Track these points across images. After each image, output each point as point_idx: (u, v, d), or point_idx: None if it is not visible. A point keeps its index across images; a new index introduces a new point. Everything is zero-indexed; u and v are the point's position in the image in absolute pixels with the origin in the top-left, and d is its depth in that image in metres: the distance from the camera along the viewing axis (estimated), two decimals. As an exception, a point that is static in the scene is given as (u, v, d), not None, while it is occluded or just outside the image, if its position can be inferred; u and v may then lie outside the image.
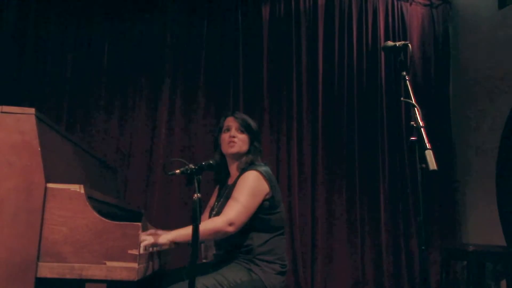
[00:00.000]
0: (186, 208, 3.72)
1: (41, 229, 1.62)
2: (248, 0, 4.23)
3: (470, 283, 3.44)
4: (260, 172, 2.04)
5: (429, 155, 1.43)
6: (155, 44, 4.08)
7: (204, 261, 2.41)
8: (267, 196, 2.04)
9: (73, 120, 3.89)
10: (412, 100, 1.56)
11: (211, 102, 4.07)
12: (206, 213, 2.29)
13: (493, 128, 3.94)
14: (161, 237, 1.79)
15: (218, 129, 2.23)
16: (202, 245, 2.45)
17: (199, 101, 4.04)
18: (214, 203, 2.25)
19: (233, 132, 2.14)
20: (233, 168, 2.20)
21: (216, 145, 2.24)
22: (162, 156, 3.88)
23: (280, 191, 2.16)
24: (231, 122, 2.17)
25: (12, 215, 1.63)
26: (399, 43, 1.69)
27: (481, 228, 4.03)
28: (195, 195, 1.65)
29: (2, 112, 1.72)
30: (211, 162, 1.81)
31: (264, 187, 2.03)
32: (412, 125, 1.52)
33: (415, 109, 1.54)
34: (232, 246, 2.05)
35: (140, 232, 1.67)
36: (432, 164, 1.41)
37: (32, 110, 1.73)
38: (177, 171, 1.75)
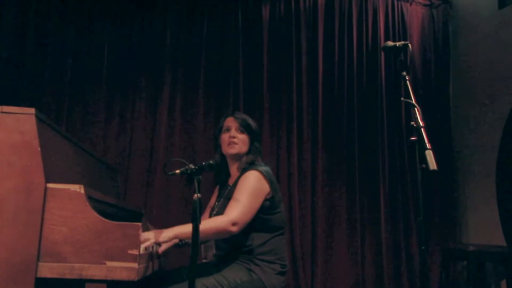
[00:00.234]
0: (186, 208, 3.72)
1: (41, 229, 1.62)
2: (248, 0, 4.24)
3: (470, 283, 3.44)
4: (261, 172, 2.04)
5: (429, 155, 1.43)
6: (155, 44, 4.08)
7: (204, 261, 2.42)
8: (268, 196, 2.04)
9: (73, 120, 3.89)
10: (412, 100, 1.56)
11: (211, 102, 4.07)
12: (206, 213, 2.29)
13: (493, 128, 3.94)
14: (162, 235, 1.80)
15: (218, 129, 2.23)
16: (202, 245, 2.45)
17: (199, 101, 4.04)
18: (215, 203, 2.25)
19: (233, 132, 2.14)
20: (233, 168, 2.20)
21: (216, 145, 2.24)
22: (162, 156, 3.88)
23: (280, 191, 2.16)
24: (231, 122, 2.17)
25: (12, 215, 1.63)
26: (399, 43, 1.69)
27: (481, 228, 4.03)
28: (195, 195, 1.65)
29: (2, 112, 1.72)
30: (211, 162, 1.81)
31: (265, 187, 2.04)
32: (412, 125, 1.52)
33: (415, 109, 1.54)
34: (232, 246, 2.05)
35: (140, 232, 1.67)
36: (432, 164, 1.41)
37: (32, 110, 1.73)
38: (177, 171, 1.75)
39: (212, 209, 2.23)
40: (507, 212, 3.72)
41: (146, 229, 1.86)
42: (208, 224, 1.89)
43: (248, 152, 2.16)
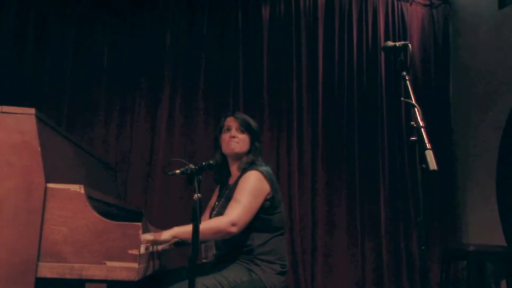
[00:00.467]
0: (186, 208, 3.72)
1: (41, 229, 1.62)
2: (248, 0, 4.24)
3: (470, 283, 3.44)
4: (261, 172, 2.04)
5: (429, 155, 1.43)
6: (155, 44, 4.08)
7: (204, 261, 2.41)
8: (268, 196, 2.04)
9: (73, 120, 3.89)
10: (412, 100, 1.56)
11: (211, 102, 4.07)
12: (206, 214, 2.29)
13: (493, 128, 3.94)
14: (163, 234, 1.80)
15: (219, 129, 2.23)
16: (202, 245, 2.44)
17: (199, 101, 4.04)
18: (215, 203, 2.25)
19: (234, 132, 2.14)
20: (233, 168, 2.20)
21: (217, 145, 2.24)
22: (162, 156, 3.88)
23: (280, 191, 2.16)
24: (231, 122, 2.17)
25: (12, 215, 1.63)
26: (399, 43, 1.69)
27: (481, 228, 4.03)
28: (195, 195, 1.65)
29: (2, 112, 1.72)
30: (211, 162, 1.81)
31: (265, 187, 2.03)
32: (412, 125, 1.52)
33: (415, 109, 1.53)
34: (232, 246, 2.05)
35: (140, 232, 1.67)
36: (432, 164, 1.41)
37: (32, 110, 1.73)
38: (177, 171, 1.75)
39: (213, 209, 2.23)
40: (507, 212, 3.72)
41: (146, 229, 1.86)
42: (208, 224, 1.89)
43: (249, 152, 2.16)
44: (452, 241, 4.09)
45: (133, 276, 1.63)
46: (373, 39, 4.36)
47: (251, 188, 1.99)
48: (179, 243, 2.01)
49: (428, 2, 4.53)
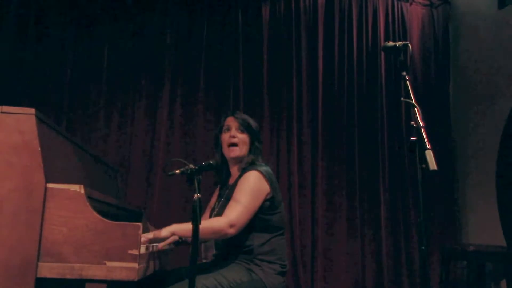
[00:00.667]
0: (186, 208, 3.72)
1: (41, 229, 1.62)
2: (248, 0, 4.23)
3: (470, 283, 3.44)
4: (261, 172, 2.04)
5: (429, 155, 1.43)
6: (155, 44, 4.08)
7: (204, 261, 2.41)
8: (268, 196, 2.04)
9: (73, 120, 3.89)
10: (412, 100, 1.55)
11: (211, 102, 4.07)
12: (206, 214, 2.29)
13: (493, 128, 3.94)
14: (162, 231, 1.80)
15: (219, 129, 2.23)
16: (202, 245, 2.45)
17: (199, 101, 4.04)
18: (215, 203, 2.25)
19: (233, 131, 2.14)
20: (234, 168, 2.20)
21: (217, 144, 2.23)
22: (162, 156, 3.88)
23: (280, 191, 2.16)
24: (231, 121, 2.17)
25: (12, 215, 1.63)
26: (399, 43, 1.69)
27: (481, 228, 4.03)
28: (195, 195, 1.65)
29: (2, 112, 1.71)
30: (211, 162, 1.81)
31: (265, 187, 2.03)
32: (412, 125, 1.52)
33: (415, 109, 1.53)
34: (232, 246, 2.05)
35: (140, 232, 1.67)
36: (432, 164, 1.41)
37: (32, 110, 1.73)
38: (177, 171, 1.75)
39: (213, 209, 2.23)
40: (507, 212, 3.72)
41: (146, 229, 1.86)
42: (206, 224, 1.88)
43: (249, 152, 2.15)
44: (452, 241, 4.09)
45: (133, 276, 1.63)
46: (373, 39, 4.36)
47: (250, 188, 1.99)
48: (179, 242, 2.01)
49: (428, 2, 4.53)
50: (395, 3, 4.45)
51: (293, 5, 4.27)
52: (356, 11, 4.37)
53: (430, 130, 1.52)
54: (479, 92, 4.17)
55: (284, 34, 4.23)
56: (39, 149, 1.68)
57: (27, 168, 1.66)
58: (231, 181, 2.20)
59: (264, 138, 3.88)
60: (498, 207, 3.80)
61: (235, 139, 2.12)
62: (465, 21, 4.44)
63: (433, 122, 4.20)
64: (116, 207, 2.17)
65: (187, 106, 4.04)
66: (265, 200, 2.03)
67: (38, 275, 1.60)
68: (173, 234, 1.83)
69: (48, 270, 1.61)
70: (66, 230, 1.63)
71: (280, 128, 4.09)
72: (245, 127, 2.15)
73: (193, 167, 1.72)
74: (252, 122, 2.19)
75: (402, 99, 1.62)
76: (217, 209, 2.16)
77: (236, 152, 2.12)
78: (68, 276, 1.61)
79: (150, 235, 1.78)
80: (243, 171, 2.09)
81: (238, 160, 2.15)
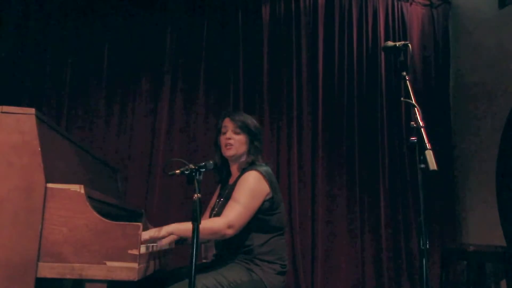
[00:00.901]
0: (186, 208, 3.72)
1: (41, 229, 1.62)
2: (248, 0, 4.23)
3: (470, 283, 3.44)
4: (260, 172, 2.04)
5: (429, 155, 1.43)
6: (155, 44, 4.08)
7: (204, 261, 2.41)
8: (268, 197, 2.04)
9: (73, 120, 3.89)
10: (412, 100, 1.55)
11: (211, 102, 4.07)
12: (206, 213, 2.29)
13: (493, 128, 3.94)
14: (161, 230, 1.80)
15: (217, 130, 2.23)
16: (203, 245, 2.44)
17: (199, 101, 4.04)
18: (215, 203, 2.24)
19: (229, 133, 2.13)
20: (233, 168, 2.20)
21: (217, 146, 2.23)
22: (162, 156, 3.88)
23: (280, 191, 2.15)
24: (227, 123, 2.16)
25: (12, 215, 1.63)
26: (399, 43, 1.69)
27: (481, 228, 4.03)
28: (195, 195, 1.65)
29: (2, 112, 1.71)
30: (211, 162, 1.80)
31: (265, 188, 2.03)
32: (412, 125, 1.51)
33: (415, 109, 1.53)
34: (232, 246, 2.05)
35: (140, 232, 1.67)
36: (432, 164, 1.41)
37: (32, 110, 1.73)
38: (177, 171, 1.75)
39: (212, 209, 2.23)
40: (507, 212, 3.72)
41: (146, 229, 1.86)
42: (204, 225, 1.87)
43: (248, 152, 2.15)
44: (452, 241, 4.09)
45: (133, 276, 1.63)
46: (373, 39, 4.36)
47: (249, 189, 1.99)
48: (179, 241, 2.01)
49: (428, 2, 4.53)
50: (395, 3, 4.45)
51: (293, 5, 4.27)
52: (356, 11, 4.37)
53: (430, 130, 1.52)
54: (479, 92, 4.17)
55: (284, 34, 4.23)
56: (39, 149, 1.68)
57: (27, 168, 1.66)
58: (231, 180, 2.20)
59: (264, 138, 3.88)
60: (498, 207, 3.80)
61: (231, 140, 2.12)
62: (465, 21, 4.44)
63: (433, 122, 4.20)
64: (116, 207, 2.17)
65: (187, 106, 4.04)
66: (265, 201, 2.03)
67: (38, 275, 1.60)
68: (171, 234, 1.83)
69: (48, 270, 1.61)
70: (66, 230, 1.63)
71: (280, 128, 4.09)
72: (241, 128, 2.13)
73: (193, 167, 1.72)
74: (250, 121, 2.16)
75: (402, 99, 1.61)
76: (216, 209, 2.16)
77: (231, 150, 2.12)
78: (68, 276, 1.61)
79: (147, 234, 1.77)
80: (242, 171, 2.09)
81: (235, 158, 2.15)
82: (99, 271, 1.62)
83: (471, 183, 4.19)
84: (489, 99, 4.05)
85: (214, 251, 2.24)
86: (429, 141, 1.46)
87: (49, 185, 1.66)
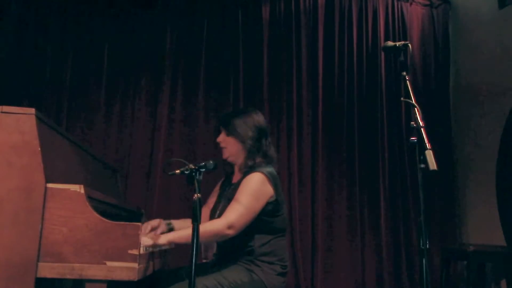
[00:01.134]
0: (186, 208, 3.72)
1: (41, 229, 1.62)
2: (248, 0, 4.23)
3: (470, 283, 3.44)
4: (265, 174, 2.02)
5: (429, 155, 1.43)
6: (155, 44, 4.08)
7: (204, 261, 2.41)
8: (271, 199, 2.02)
9: (73, 120, 3.89)
10: (412, 100, 1.55)
11: (211, 102, 4.07)
12: (204, 212, 2.24)
13: (493, 128, 3.94)
14: (160, 238, 1.79)
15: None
16: (202, 244, 2.44)
17: (199, 101, 4.04)
18: (216, 203, 2.23)
19: (220, 136, 2.15)
20: (236, 168, 2.20)
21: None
22: (162, 156, 3.88)
23: (282, 192, 2.14)
24: (220, 125, 2.18)
25: (12, 215, 1.63)
26: (399, 43, 1.69)
27: (481, 228, 4.03)
28: (195, 195, 1.65)
29: (2, 112, 1.71)
30: (211, 162, 1.80)
31: (268, 190, 2.02)
32: (412, 125, 1.51)
33: (415, 109, 1.53)
34: (233, 247, 2.05)
35: (140, 232, 1.67)
36: (432, 164, 1.41)
37: (32, 110, 1.73)
38: (177, 171, 1.75)
39: (214, 210, 2.20)
40: (507, 212, 3.72)
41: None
42: (205, 227, 1.86)
43: (248, 153, 2.12)
44: (452, 241, 4.09)
45: (133, 276, 1.63)
46: (373, 39, 4.36)
47: (252, 190, 1.98)
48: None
49: (428, 2, 4.53)
50: (395, 3, 4.45)
51: (293, 5, 4.27)
52: (356, 11, 4.37)
53: (430, 130, 1.52)
54: (479, 92, 4.17)
55: (284, 34, 4.23)
56: (39, 149, 1.68)
57: (27, 168, 1.66)
58: (234, 179, 2.20)
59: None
60: (498, 207, 3.80)
61: (222, 144, 2.14)
62: (465, 21, 4.44)
63: (433, 122, 4.20)
64: (116, 207, 2.17)
65: (187, 106, 4.04)
66: (268, 203, 2.01)
67: (38, 275, 1.60)
68: (172, 242, 1.83)
69: (48, 270, 1.61)
70: (66, 230, 1.63)
71: (280, 128, 4.08)
72: (230, 131, 2.12)
73: (193, 167, 1.72)
74: (239, 123, 2.11)
75: (402, 99, 1.61)
76: (218, 211, 2.15)
77: (225, 154, 2.15)
78: (68, 276, 1.61)
79: (149, 242, 1.75)
80: (245, 173, 2.08)
81: (232, 160, 2.16)
82: (99, 271, 1.62)
83: (471, 183, 4.19)
84: (489, 99, 4.05)
85: (214, 251, 2.24)
86: (429, 141, 1.46)
87: (49, 185, 1.66)
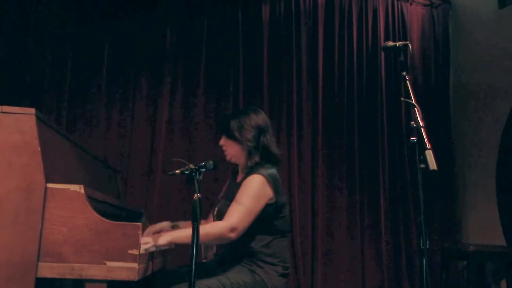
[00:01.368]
0: (186, 208, 3.72)
1: (41, 229, 1.62)
2: (248, 0, 4.23)
3: (470, 283, 3.44)
4: (265, 176, 2.02)
5: (429, 155, 1.43)
6: (155, 43, 4.08)
7: (204, 261, 2.41)
8: (270, 201, 2.02)
9: (73, 120, 3.89)
10: (412, 100, 1.55)
11: (211, 102, 4.07)
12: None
13: (493, 128, 3.94)
14: (160, 238, 1.79)
15: None
16: (203, 244, 2.44)
17: (199, 101, 4.04)
18: (218, 201, 2.23)
19: (221, 140, 2.15)
20: (239, 168, 2.21)
21: None
22: (162, 156, 3.88)
23: (284, 194, 2.13)
24: (219, 129, 2.20)
25: (12, 215, 1.63)
26: (399, 43, 1.69)
27: (481, 228, 4.03)
28: (195, 195, 1.65)
29: (2, 112, 1.71)
30: (211, 162, 1.80)
31: (268, 192, 2.01)
32: (412, 125, 1.51)
33: (415, 109, 1.53)
34: (235, 248, 2.04)
35: (140, 232, 1.67)
36: (432, 164, 1.41)
37: (32, 110, 1.73)
38: (177, 171, 1.75)
39: (215, 205, 2.20)
40: (507, 212, 3.72)
41: (146, 229, 1.86)
42: (207, 230, 1.85)
43: (248, 154, 2.12)
44: (452, 241, 4.09)
45: (133, 276, 1.63)
46: (373, 39, 4.36)
47: (252, 192, 1.98)
48: None
49: (428, 2, 4.53)
50: (395, 3, 4.46)
51: (293, 5, 4.27)
52: (356, 11, 4.37)
53: (430, 130, 1.52)
54: (479, 92, 4.17)
55: (284, 34, 4.23)
56: (39, 149, 1.68)
57: (27, 168, 1.66)
58: (238, 179, 2.20)
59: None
60: (498, 207, 3.81)
61: (223, 147, 2.15)
62: (465, 21, 4.45)
63: (433, 122, 4.20)
64: (116, 207, 2.17)
65: (187, 105, 4.04)
66: (267, 204, 2.01)
67: (38, 275, 1.60)
68: (172, 242, 1.83)
69: (48, 270, 1.61)
70: (66, 230, 1.63)
71: (280, 128, 4.08)
72: (227, 134, 2.13)
73: (193, 167, 1.72)
74: (237, 125, 2.09)
75: (402, 99, 1.61)
76: (217, 208, 2.15)
77: (227, 156, 2.16)
78: (68, 276, 1.61)
79: (149, 243, 1.74)
80: (247, 174, 2.07)
81: (235, 161, 2.17)
82: (99, 271, 1.62)
83: (471, 183, 4.19)
84: (489, 99, 4.05)
85: (214, 251, 2.24)
86: (429, 141, 1.46)
87: (49, 185, 1.66)
